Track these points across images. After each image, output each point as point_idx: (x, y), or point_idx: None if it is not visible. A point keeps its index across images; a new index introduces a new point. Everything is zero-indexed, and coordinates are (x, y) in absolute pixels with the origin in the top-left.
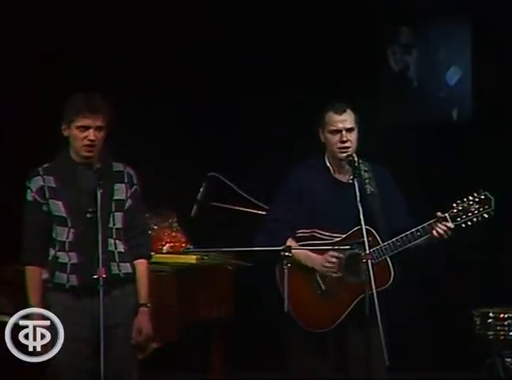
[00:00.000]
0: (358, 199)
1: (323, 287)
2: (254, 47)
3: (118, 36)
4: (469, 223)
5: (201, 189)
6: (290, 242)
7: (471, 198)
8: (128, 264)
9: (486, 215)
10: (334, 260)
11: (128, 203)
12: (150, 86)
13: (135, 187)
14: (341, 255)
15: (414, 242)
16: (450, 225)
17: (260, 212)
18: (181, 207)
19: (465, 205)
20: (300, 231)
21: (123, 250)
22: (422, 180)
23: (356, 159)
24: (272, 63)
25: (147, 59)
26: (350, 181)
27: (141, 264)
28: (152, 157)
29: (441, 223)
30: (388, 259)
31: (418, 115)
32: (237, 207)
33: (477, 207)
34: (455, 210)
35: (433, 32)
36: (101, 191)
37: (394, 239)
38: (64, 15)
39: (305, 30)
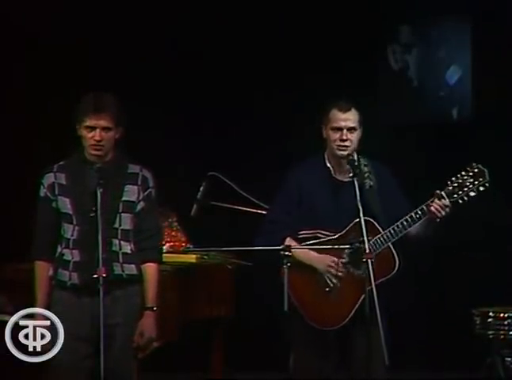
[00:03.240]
0: (358, 198)
1: (331, 284)
2: (254, 47)
3: (117, 35)
4: (465, 198)
5: (201, 188)
6: (289, 242)
7: (464, 173)
8: (132, 266)
9: (482, 188)
10: (338, 261)
11: (140, 205)
12: (149, 86)
13: (149, 190)
14: (345, 258)
15: (413, 225)
16: (446, 202)
17: (260, 212)
18: (181, 206)
19: (460, 180)
20: (303, 232)
21: (129, 251)
22: (421, 179)
23: (355, 158)
24: (272, 63)
25: (146, 59)
26: (350, 179)
27: (149, 267)
28: (152, 157)
29: (438, 200)
30: (392, 247)
31: (418, 115)
32: (237, 207)
33: (472, 180)
34: (450, 188)
35: (433, 32)
36: (101, 190)
37: (394, 225)
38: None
39: (305, 29)
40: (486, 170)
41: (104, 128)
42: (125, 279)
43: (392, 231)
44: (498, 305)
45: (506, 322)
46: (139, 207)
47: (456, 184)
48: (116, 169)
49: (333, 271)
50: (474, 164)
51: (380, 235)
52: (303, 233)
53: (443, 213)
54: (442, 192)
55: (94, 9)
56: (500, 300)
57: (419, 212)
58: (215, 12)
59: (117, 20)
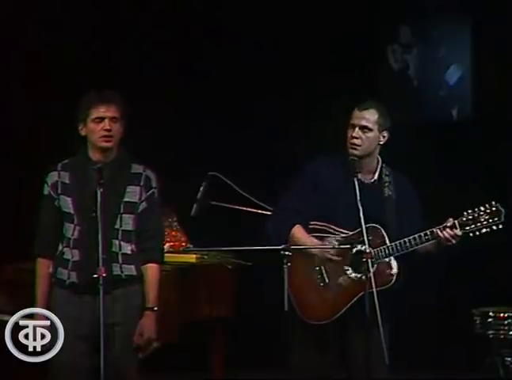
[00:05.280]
0: (358, 198)
1: (327, 280)
2: (254, 47)
3: (118, 34)
4: (477, 233)
5: (201, 188)
6: (298, 230)
7: (482, 208)
8: (132, 266)
9: (494, 227)
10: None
11: (142, 205)
12: (150, 85)
13: (152, 190)
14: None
15: (421, 245)
16: (458, 232)
17: (260, 211)
18: (181, 206)
19: (475, 215)
20: (313, 223)
21: (129, 252)
22: (421, 179)
23: (357, 158)
24: (272, 63)
25: (147, 58)
26: (372, 182)
27: (150, 268)
28: (152, 157)
29: (450, 229)
30: (394, 259)
31: (417, 115)
32: (237, 206)
33: (487, 217)
34: (464, 219)
35: (433, 31)
36: (101, 190)
37: (401, 240)
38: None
39: (305, 29)
40: (503, 211)
41: (112, 118)
42: (124, 280)
43: (398, 245)
44: (498, 305)
45: (506, 322)
46: (141, 208)
47: (471, 217)
48: (119, 169)
49: (328, 255)
50: (493, 202)
51: (384, 246)
52: (313, 224)
53: (453, 242)
54: (456, 222)
55: (92, 11)
56: (500, 300)
57: (429, 234)
58: (220, 9)
59: (118, 20)
